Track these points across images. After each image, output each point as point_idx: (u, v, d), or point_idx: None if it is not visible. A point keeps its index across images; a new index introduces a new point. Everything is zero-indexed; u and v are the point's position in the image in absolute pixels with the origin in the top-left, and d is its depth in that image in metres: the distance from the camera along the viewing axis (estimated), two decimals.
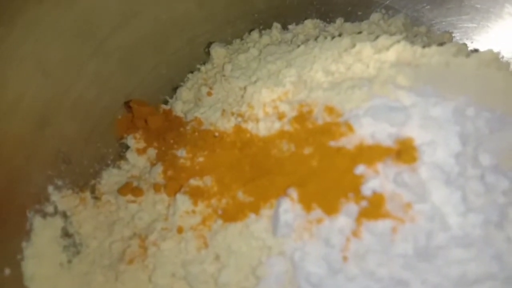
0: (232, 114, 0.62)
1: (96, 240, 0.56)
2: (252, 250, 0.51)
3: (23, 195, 0.53)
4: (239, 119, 0.61)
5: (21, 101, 0.52)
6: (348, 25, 0.72)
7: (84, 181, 0.59)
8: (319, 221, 0.48)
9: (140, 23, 0.64)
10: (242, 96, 0.63)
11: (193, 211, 0.55)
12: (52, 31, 0.53)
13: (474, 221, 0.45)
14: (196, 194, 0.56)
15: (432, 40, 0.72)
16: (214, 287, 0.51)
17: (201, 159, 0.59)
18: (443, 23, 0.78)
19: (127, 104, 0.64)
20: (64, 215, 0.56)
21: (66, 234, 0.56)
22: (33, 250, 0.52)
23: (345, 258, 0.47)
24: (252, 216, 0.52)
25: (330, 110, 0.52)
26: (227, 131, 0.60)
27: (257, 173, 0.54)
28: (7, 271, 0.49)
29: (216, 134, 0.61)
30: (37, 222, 0.53)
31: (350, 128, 0.50)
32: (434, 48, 0.55)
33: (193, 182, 0.57)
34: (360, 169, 0.47)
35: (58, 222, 0.55)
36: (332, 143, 0.50)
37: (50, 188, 0.56)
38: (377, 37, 0.60)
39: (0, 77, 0.49)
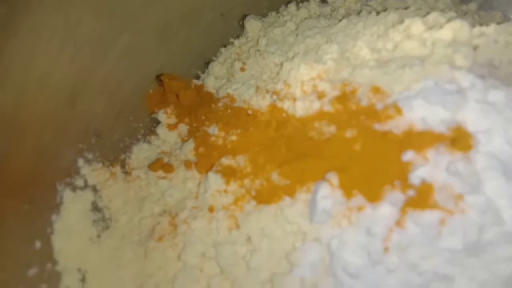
0: (267, 91, 0.59)
1: (125, 216, 0.55)
2: (286, 235, 0.49)
3: (53, 168, 0.52)
4: (275, 97, 0.58)
5: (51, 75, 0.50)
6: None
7: (114, 155, 0.58)
8: (360, 208, 0.45)
9: None
10: (278, 73, 0.60)
11: (225, 191, 0.53)
12: (83, 4, 0.51)
13: None
14: (229, 173, 0.54)
15: (483, 19, 0.67)
16: (245, 269, 0.50)
17: (233, 137, 0.57)
18: (495, 1, 0.72)
19: (159, 78, 0.62)
20: (94, 189, 0.55)
21: (95, 208, 0.55)
22: (62, 224, 0.51)
23: (386, 249, 0.44)
24: (287, 199, 0.50)
25: (376, 90, 0.48)
26: (261, 110, 0.58)
27: (293, 155, 0.52)
28: (37, 244, 0.48)
29: (250, 112, 0.59)
30: (67, 195, 0.53)
31: (398, 111, 0.46)
32: (492, 27, 0.50)
33: (225, 161, 0.55)
34: (409, 155, 0.44)
35: (88, 196, 0.54)
36: (378, 127, 0.47)
37: (80, 161, 0.54)
38: (427, 13, 0.55)
39: (31, 50, 0.47)
